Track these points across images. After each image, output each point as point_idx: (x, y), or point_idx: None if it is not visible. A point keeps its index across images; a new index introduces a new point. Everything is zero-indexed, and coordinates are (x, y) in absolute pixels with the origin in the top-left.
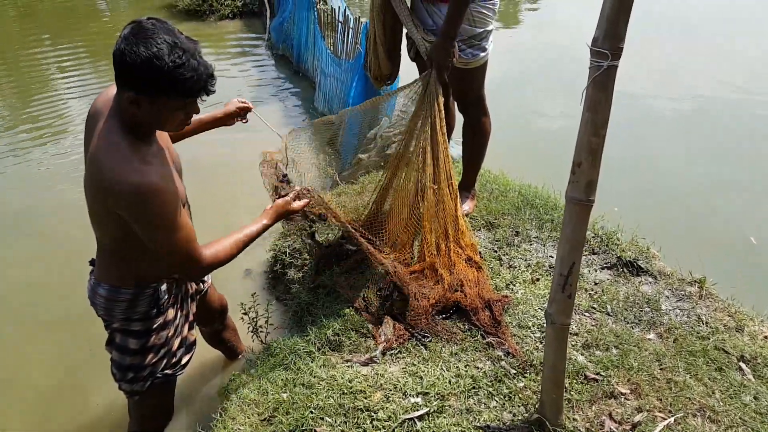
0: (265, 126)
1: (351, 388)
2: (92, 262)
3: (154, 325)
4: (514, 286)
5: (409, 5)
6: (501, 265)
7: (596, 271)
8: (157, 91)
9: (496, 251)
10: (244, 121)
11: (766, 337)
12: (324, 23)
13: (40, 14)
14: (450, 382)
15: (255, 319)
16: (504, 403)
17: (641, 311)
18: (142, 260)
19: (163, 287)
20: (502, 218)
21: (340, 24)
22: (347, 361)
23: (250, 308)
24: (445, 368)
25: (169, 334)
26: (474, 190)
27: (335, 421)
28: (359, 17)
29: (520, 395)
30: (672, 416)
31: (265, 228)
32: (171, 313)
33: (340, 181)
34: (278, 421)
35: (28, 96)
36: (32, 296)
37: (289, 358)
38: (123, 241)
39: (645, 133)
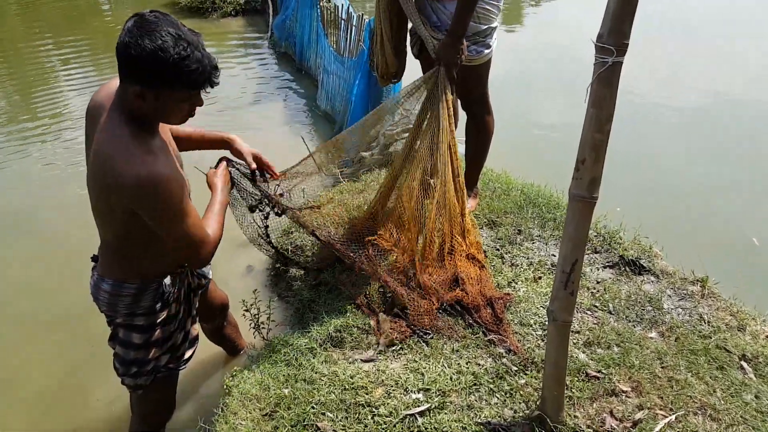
0: (269, 124)
1: (352, 383)
2: (95, 258)
3: (158, 320)
4: (516, 284)
5: (413, 2)
6: (503, 263)
7: (598, 269)
8: (162, 83)
9: (498, 249)
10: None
11: (767, 336)
12: (327, 21)
13: (42, 9)
14: (451, 378)
15: (256, 316)
16: (505, 400)
17: (643, 310)
18: (146, 255)
19: (167, 282)
20: (505, 217)
21: (343, 21)
22: (350, 356)
23: (251, 305)
24: (446, 365)
25: (173, 329)
26: (477, 189)
27: (336, 417)
28: (362, 15)
29: (521, 392)
30: (673, 414)
31: (225, 197)
32: (174, 307)
33: (342, 178)
34: (280, 416)
35: (28, 90)
36: (32, 294)
37: (290, 354)
38: (126, 237)
39: (647, 132)
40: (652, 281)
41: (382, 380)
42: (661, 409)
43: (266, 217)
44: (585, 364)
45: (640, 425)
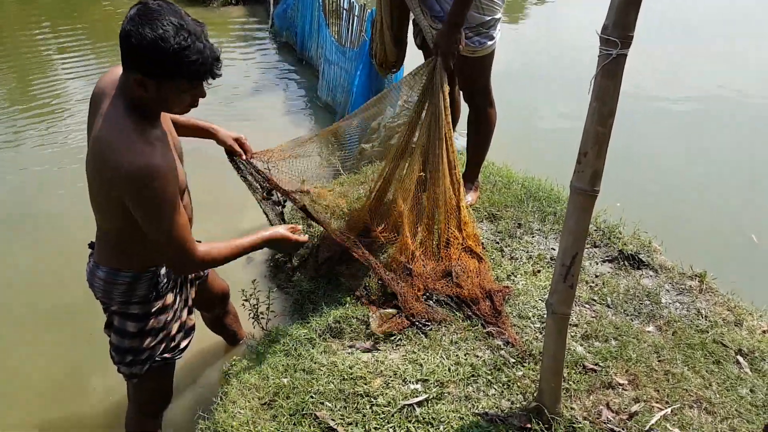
0: (269, 115)
1: (351, 374)
2: (91, 245)
3: (153, 309)
4: (515, 277)
5: None
6: (503, 257)
7: (597, 263)
8: (163, 73)
9: (498, 243)
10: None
11: (764, 331)
12: (328, 11)
13: None
14: (449, 369)
15: (256, 306)
16: (503, 391)
17: (641, 304)
18: (142, 245)
19: (163, 271)
20: (505, 210)
21: (345, 12)
22: (349, 347)
23: (251, 295)
24: (444, 356)
25: (168, 318)
26: (478, 182)
27: (335, 406)
28: (364, 5)
29: (518, 384)
30: (669, 407)
31: (259, 244)
32: (170, 297)
33: (342, 171)
34: (278, 405)
35: (26, 77)
36: (30, 283)
37: (289, 344)
38: (122, 225)
39: (647, 128)
40: (651, 276)
41: (381, 371)
42: (657, 402)
43: (278, 204)
44: (582, 357)
45: (636, 417)
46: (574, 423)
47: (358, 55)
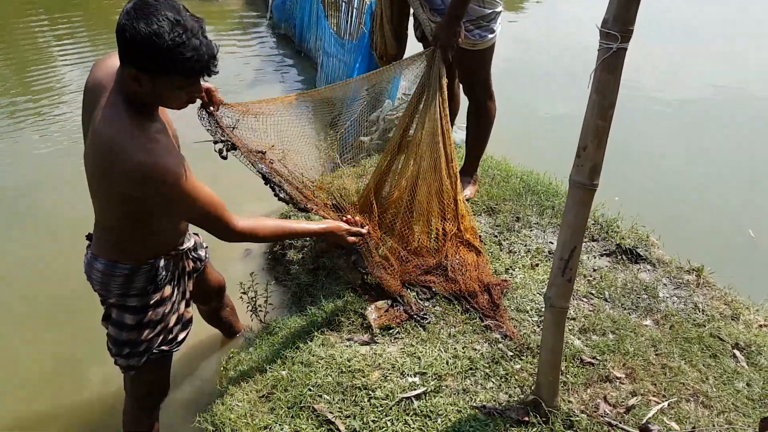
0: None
1: (349, 366)
2: (89, 237)
3: (151, 301)
4: (514, 270)
5: None
6: (501, 250)
7: (595, 257)
8: (157, 68)
9: (496, 236)
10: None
11: (761, 325)
12: (327, 2)
13: None
14: (447, 362)
15: (254, 299)
16: (500, 384)
17: (639, 298)
18: (140, 238)
19: (161, 263)
20: (503, 204)
21: (344, 4)
22: (347, 340)
23: (249, 287)
24: (443, 349)
25: (166, 311)
26: (476, 175)
27: (333, 399)
28: None
29: (516, 377)
30: (666, 401)
31: (316, 233)
32: (168, 289)
33: (341, 163)
34: (276, 397)
35: (23, 67)
36: (27, 274)
37: (287, 337)
38: (121, 219)
39: (647, 124)
40: (649, 270)
41: (379, 364)
42: (654, 396)
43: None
44: (580, 351)
45: (634, 411)
46: (571, 416)
47: (357, 47)
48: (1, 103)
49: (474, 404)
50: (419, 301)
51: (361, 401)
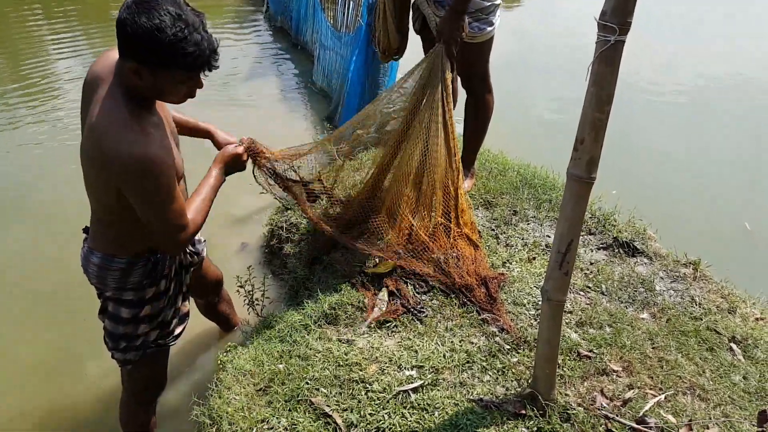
0: (264, 101)
1: (346, 360)
2: (86, 230)
3: (147, 296)
4: (511, 264)
5: None
6: (498, 244)
7: (592, 251)
8: (158, 63)
9: (493, 230)
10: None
11: (757, 318)
12: None
13: None
14: (444, 356)
15: (251, 293)
16: (497, 378)
17: (635, 291)
18: (136, 232)
19: (158, 257)
20: (501, 197)
21: None
22: (344, 334)
23: (246, 281)
24: (440, 342)
25: (162, 305)
26: (474, 169)
27: (330, 392)
28: None
29: (513, 370)
30: (662, 394)
31: (221, 177)
32: (164, 284)
33: (338, 156)
34: (274, 391)
35: (17, 59)
36: (24, 268)
37: (284, 331)
38: (117, 212)
39: (644, 117)
40: (645, 263)
41: (376, 357)
42: (651, 389)
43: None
44: (577, 344)
45: (630, 404)
46: (568, 409)
47: (353, 40)
48: None
49: (471, 397)
50: (416, 294)
51: (358, 394)
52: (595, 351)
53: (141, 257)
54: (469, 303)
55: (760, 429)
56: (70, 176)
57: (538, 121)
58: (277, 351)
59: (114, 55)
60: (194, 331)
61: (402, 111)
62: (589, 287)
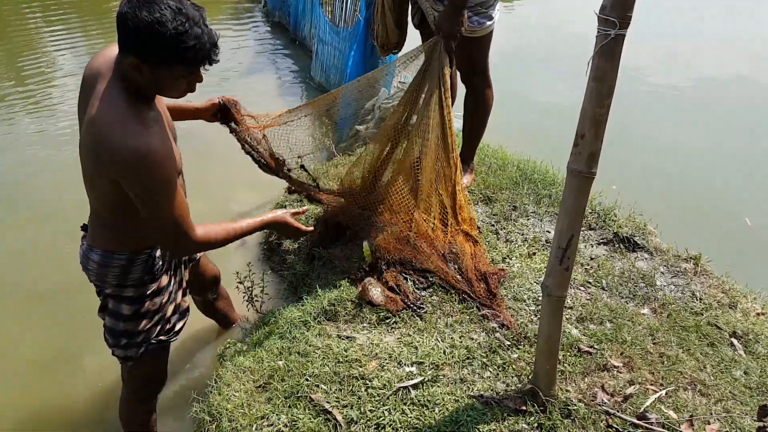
0: (262, 96)
1: (346, 356)
2: (84, 227)
3: (148, 292)
4: (511, 259)
5: None
6: (498, 239)
7: (592, 246)
8: (159, 57)
9: (493, 225)
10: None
11: (758, 314)
12: None
13: None
14: (444, 352)
15: (250, 289)
16: (498, 374)
17: (636, 286)
18: (136, 228)
19: (157, 253)
20: (500, 193)
21: None
22: (343, 330)
23: (245, 278)
24: (440, 339)
25: (163, 301)
26: (473, 164)
27: (330, 389)
28: None
29: (513, 366)
30: (663, 389)
31: (260, 227)
32: (164, 279)
33: (337, 152)
34: (273, 387)
35: (13, 54)
36: (23, 264)
37: (284, 327)
38: (116, 208)
39: (645, 112)
40: (646, 258)
41: (376, 353)
42: (651, 385)
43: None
44: (577, 340)
45: (631, 400)
46: (569, 405)
47: (352, 35)
48: None
49: (471, 393)
50: (416, 290)
51: (358, 391)
52: (595, 346)
53: (141, 253)
54: (469, 299)
55: (761, 424)
56: (68, 172)
57: (538, 116)
58: (277, 347)
59: (113, 50)
60: (193, 328)
61: (401, 106)
62: (590, 282)
